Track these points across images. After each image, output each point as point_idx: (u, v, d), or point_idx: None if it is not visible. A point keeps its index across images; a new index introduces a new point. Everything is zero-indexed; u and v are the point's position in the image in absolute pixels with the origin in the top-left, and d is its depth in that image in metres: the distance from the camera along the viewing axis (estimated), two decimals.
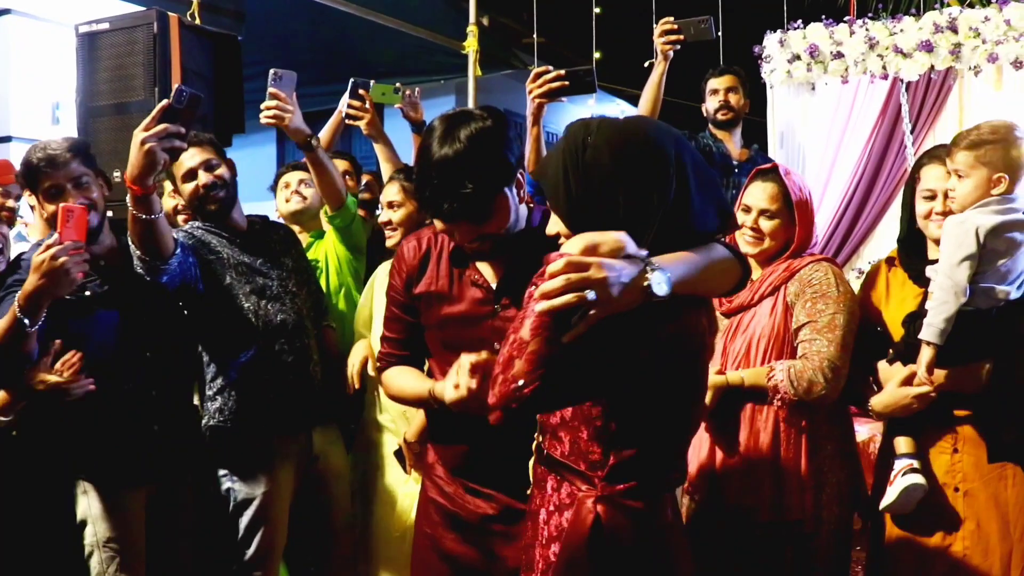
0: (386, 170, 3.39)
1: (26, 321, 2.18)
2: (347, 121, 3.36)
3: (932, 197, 2.41)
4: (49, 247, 2.15)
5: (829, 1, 6.17)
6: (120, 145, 3.69)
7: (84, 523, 2.49)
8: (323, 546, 2.85)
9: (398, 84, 3.42)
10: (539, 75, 2.65)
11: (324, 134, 3.64)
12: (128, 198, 2.27)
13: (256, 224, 2.88)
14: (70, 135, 2.57)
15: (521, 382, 1.43)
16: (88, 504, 2.49)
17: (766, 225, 2.46)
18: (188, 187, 2.72)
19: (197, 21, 4.61)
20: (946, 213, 2.35)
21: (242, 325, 2.67)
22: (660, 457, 1.66)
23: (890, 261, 2.58)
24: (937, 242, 2.37)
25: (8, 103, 5.28)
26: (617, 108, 10.35)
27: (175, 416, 2.66)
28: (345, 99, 3.28)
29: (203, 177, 2.70)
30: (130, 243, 2.38)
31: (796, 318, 2.39)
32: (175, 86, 2.24)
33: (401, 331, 2.16)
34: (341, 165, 3.57)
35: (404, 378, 2.12)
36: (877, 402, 2.39)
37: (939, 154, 2.43)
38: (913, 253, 2.49)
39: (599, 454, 1.61)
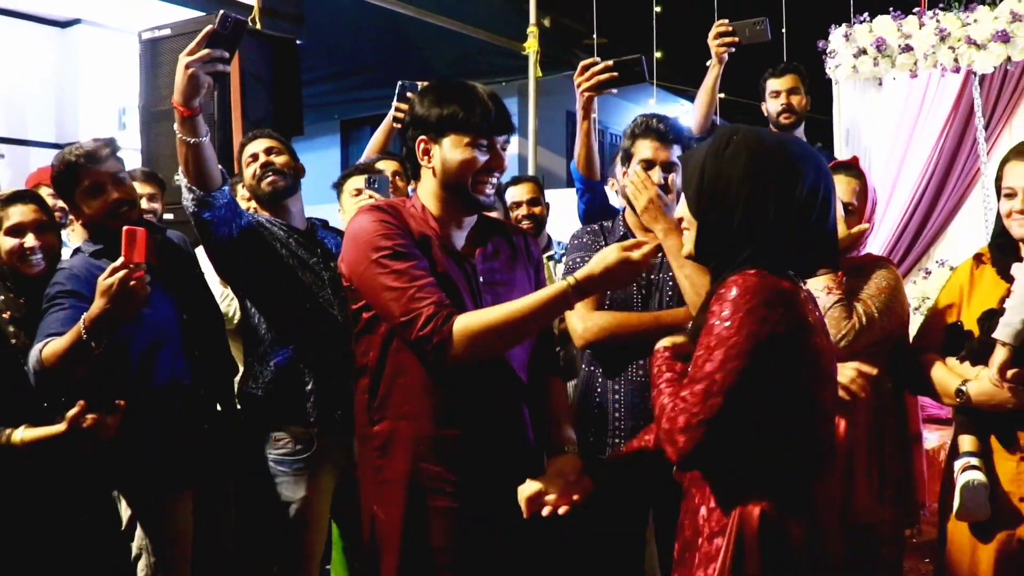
0: None
1: (92, 344, 2.14)
2: (394, 124, 3.34)
3: (1012, 195, 2.31)
4: (116, 270, 2.10)
5: None
6: None
7: (132, 527, 2.50)
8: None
9: None
10: (586, 67, 2.60)
11: (375, 139, 3.63)
12: (176, 124, 2.34)
13: (315, 226, 2.90)
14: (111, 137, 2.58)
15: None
16: (138, 509, 2.49)
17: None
18: (248, 172, 2.80)
19: (258, 26, 4.68)
20: None
21: (292, 314, 2.68)
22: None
23: (978, 258, 2.48)
24: (1022, 240, 2.29)
25: (77, 109, 5.44)
26: (680, 108, 10.23)
27: (222, 413, 2.67)
28: (394, 103, 3.27)
29: (262, 158, 2.78)
30: (181, 176, 2.43)
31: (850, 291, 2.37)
32: (220, 12, 2.28)
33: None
34: (391, 166, 3.56)
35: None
36: (974, 390, 2.24)
37: (1021, 150, 2.33)
38: (1005, 250, 2.38)
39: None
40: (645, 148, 2.44)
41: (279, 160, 2.78)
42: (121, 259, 2.11)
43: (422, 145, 1.95)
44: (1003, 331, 2.11)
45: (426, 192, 2.00)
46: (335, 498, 2.74)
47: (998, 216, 2.39)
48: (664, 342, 1.73)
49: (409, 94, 3.23)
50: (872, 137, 4.86)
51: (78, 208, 2.49)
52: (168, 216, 3.90)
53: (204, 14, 4.46)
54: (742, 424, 1.51)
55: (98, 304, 2.12)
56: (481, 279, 1.99)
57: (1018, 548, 2.23)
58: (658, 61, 7.44)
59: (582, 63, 2.61)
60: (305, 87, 5.38)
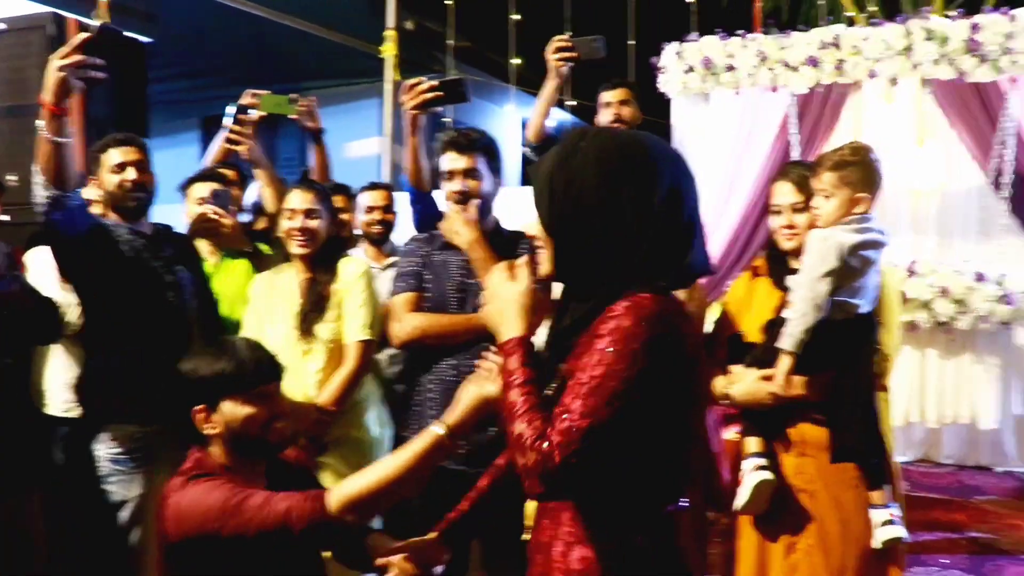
0: (268, 195, 3.29)
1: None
2: (227, 146, 3.37)
3: (779, 212, 2.53)
4: None
5: (741, 13, 6.36)
6: (16, 148, 3.65)
7: None
8: None
9: (293, 95, 3.41)
10: (412, 87, 2.73)
11: (213, 154, 3.65)
12: (43, 122, 2.35)
13: (160, 231, 2.93)
14: None
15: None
16: None
17: None
18: (114, 179, 2.74)
19: (107, 21, 4.58)
20: (790, 227, 2.48)
21: (134, 314, 2.70)
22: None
23: (754, 270, 2.69)
24: (788, 254, 2.51)
25: None
26: None
27: (24, 422, 2.67)
28: (227, 123, 3.29)
29: (131, 173, 2.75)
30: (37, 175, 2.43)
31: None
32: (99, 22, 2.33)
33: None
34: (230, 174, 3.58)
35: None
36: (737, 390, 2.47)
37: (786, 171, 2.57)
38: (778, 261, 2.59)
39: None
40: (444, 161, 2.61)
41: (147, 178, 2.80)
42: None
43: (200, 415, 1.89)
44: (786, 340, 2.32)
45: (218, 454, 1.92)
46: None
47: (770, 230, 2.61)
48: (513, 363, 1.44)
49: (240, 116, 3.28)
50: (701, 149, 5.19)
51: None
52: (5, 218, 3.80)
53: (46, 9, 4.34)
54: (617, 445, 1.36)
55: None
56: None
57: (800, 544, 2.43)
58: (518, 67, 7.66)
59: (407, 82, 2.74)
60: (162, 84, 5.28)
